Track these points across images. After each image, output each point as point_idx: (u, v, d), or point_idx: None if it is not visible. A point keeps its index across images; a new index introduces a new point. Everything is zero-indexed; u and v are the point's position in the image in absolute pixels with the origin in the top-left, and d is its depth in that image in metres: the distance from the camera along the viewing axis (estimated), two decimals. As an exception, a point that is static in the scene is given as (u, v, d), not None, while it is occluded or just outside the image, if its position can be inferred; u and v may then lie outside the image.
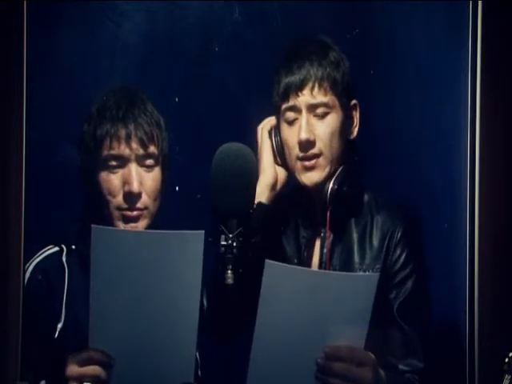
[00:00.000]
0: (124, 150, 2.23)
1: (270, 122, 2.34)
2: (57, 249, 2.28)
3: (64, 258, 2.26)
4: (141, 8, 2.61)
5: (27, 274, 2.23)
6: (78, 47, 2.55)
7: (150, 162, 2.26)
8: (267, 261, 1.88)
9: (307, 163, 2.25)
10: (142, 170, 2.25)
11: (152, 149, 2.26)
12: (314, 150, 2.25)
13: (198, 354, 2.13)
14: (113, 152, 2.23)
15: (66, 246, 2.27)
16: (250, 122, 2.36)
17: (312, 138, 2.24)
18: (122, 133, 2.23)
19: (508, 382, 1.98)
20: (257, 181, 2.17)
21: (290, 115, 2.27)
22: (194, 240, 1.89)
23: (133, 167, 2.24)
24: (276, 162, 2.30)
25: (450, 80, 2.51)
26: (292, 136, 2.27)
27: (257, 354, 1.92)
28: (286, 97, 2.26)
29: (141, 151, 2.24)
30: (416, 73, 2.64)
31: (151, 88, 2.41)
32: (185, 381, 1.95)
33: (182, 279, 1.91)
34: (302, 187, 2.29)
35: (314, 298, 1.91)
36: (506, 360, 2.00)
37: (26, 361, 2.13)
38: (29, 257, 2.24)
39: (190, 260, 1.90)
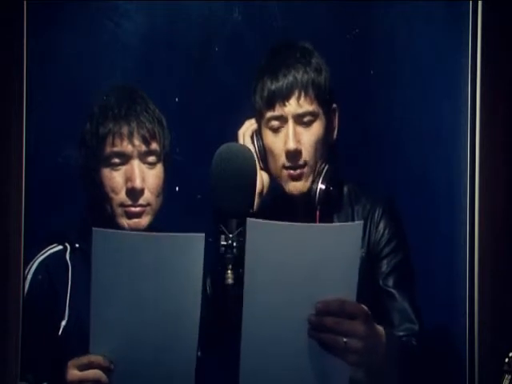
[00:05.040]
0: (127, 146, 2.24)
1: (251, 126, 2.34)
2: (60, 247, 2.29)
3: (68, 256, 2.27)
4: (141, 8, 2.61)
5: (31, 272, 2.25)
6: (78, 47, 2.55)
7: (152, 158, 2.27)
8: (248, 219, 1.86)
9: (293, 172, 2.27)
10: (144, 167, 2.26)
11: (154, 146, 2.27)
12: (300, 162, 2.26)
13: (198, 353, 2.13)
14: (115, 149, 2.25)
15: (69, 244, 2.28)
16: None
17: (299, 147, 2.25)
18: (125, 130, 2.25)
19: (508, 381, 1.98)
20: (256, 181, 2.17)
21: (275, 124, 2.27)
22: (194, 242, 1.89)
23: (135, 164, 2.25)
24: (259, 167, 2.30)
25: (449, 80, 2.51)
26: (278, 144, 2.27)
27: (248, 317, 1.89)
28: (271, 105, 2.26)
29: (143, 148, 2.25)
30: (416, 73, 2.64)
31: (151, 88, 2.41)
32: None
33: (183, 281, 1.91)
34: (285, 193, 2.30)
35: (300, 251, 1.88)
36: (506, 360, 2.00)
37: (26, 361, 2.13)
38: (29, 256, 2.24)
39: (191, 262, 1.90)
